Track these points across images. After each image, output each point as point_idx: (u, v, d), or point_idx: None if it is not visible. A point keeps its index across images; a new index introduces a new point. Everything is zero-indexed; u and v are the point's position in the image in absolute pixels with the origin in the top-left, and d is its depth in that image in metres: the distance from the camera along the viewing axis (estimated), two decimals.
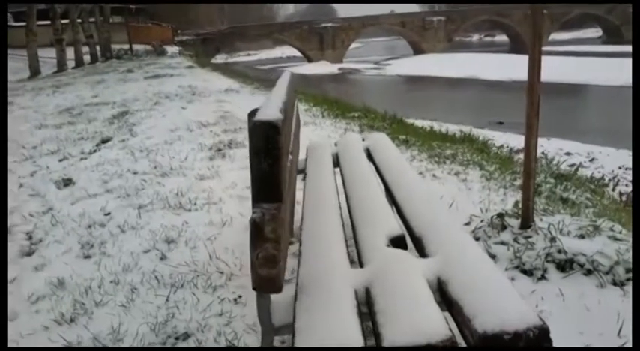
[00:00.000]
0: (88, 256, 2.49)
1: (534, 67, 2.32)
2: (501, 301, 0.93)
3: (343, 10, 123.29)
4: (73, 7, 25.89)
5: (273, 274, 0.97)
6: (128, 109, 7.26)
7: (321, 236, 1.42)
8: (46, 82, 16.32)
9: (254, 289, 1.05)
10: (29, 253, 2.61)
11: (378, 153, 2.49)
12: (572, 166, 6.03)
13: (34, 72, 21.12)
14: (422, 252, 1.27)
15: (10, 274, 2.36)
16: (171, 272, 2.22)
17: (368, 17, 66.48)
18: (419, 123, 20.16)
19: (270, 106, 1.15)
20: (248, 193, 3.28)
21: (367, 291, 1.08)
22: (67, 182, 3.77)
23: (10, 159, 4.64)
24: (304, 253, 1.32)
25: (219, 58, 56.43)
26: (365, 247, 1.33)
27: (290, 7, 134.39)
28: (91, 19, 31.05)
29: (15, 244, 2.71)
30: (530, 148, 2.26)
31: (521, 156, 9.28)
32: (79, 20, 27.91)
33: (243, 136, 4.94)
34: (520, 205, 2.89)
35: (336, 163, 2.55)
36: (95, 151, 4.66)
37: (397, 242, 1.33)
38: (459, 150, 4.25)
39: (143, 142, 4.94)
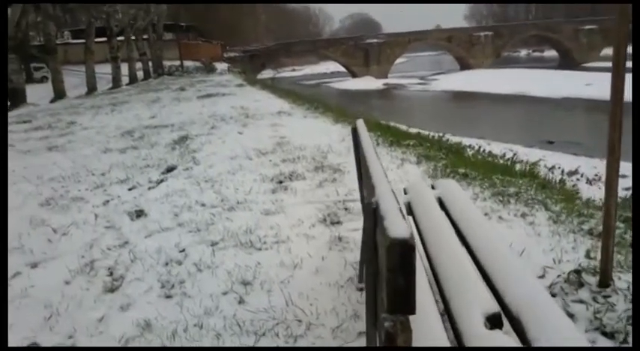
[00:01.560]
0: (169, 296, 2.60)
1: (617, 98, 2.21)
2: None
3: (388, 25, 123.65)
4: (128, 26, 26.90)
5: None
6: (187, 134, 7.49)
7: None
8: (102, 99, 17.01)
9: None
10: (112, 290, 2.75)
11: (452, 204, 2.51)
12: None
13: (91, 88, 22.05)
14: (522, 336, 1.29)
15: (98, 313, 2.49)
16: (252, 318, 2.30)
17: (414, 33, 66.27)
18: (467, 141, 19.88)
19: (388, 205, 1.19)
20: (314, 232, 3.37)
21: None
22: (139, 213, 3.94)
23: (82, 186, 4.89)
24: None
25: (266, 74, 57.42)
26: (462, 326, 1.37)
27: (335, 23, 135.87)
28: (144, 37, 32.24)
29: (98, 280, 2.86)
30: (610, 206, 2.23)
31: (575, 178, 9.02)
32: (133, 38, 29.02)
33: (302, 168, 5.05)
34: (593, 254, 2.87)
35: (409, 211, 2.59)
36: (162, 181, 4.84)
37: (494, 321, 1.36)
38: (521, 187, 4.21)
39: (206, 171, 5.11)
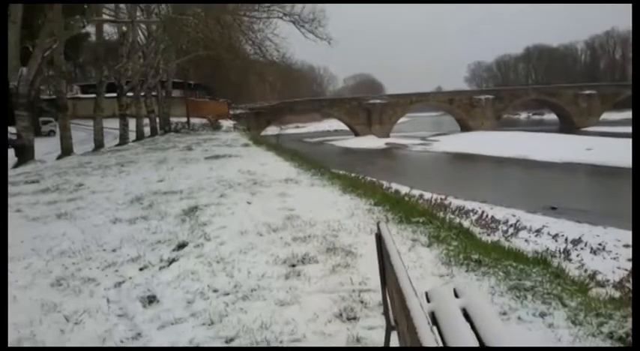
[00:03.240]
0: None
1: None
2: None
3: (390, 86, 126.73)
4: (138, 85, 27.53)
5: None
6: (197, 203, 7.52)
7: None
8: (110, 157, 17.18)
9: None
10: None
11: (477, 316, 2.49)
12: None
13: (98, 145, 22.30)
14: None
15: None
16: None
17: (415, 94, 67.74)
18: (470, 204, 19.85)
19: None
20: (330, 329, 3.33)
21: None
22: (152, 299, 3.90)
23: (93, 264, 4.86)
24: None
25: (270, 130, 58.25)
26: None
27: (339, 82, 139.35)
28: (153, 94, 32.98)
29: None
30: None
31: (580, 248, 8.96)
32: (143, 94, 29.68)
33: (314, 248, 5.03)
34: None
35: (433, 320, 2.56)
36: (174, 260, 4.82)
37: None
38: (536, 278, 4.18)
39: (218, 249, 5.09)
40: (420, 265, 4.51)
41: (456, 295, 2.84)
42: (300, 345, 3.07)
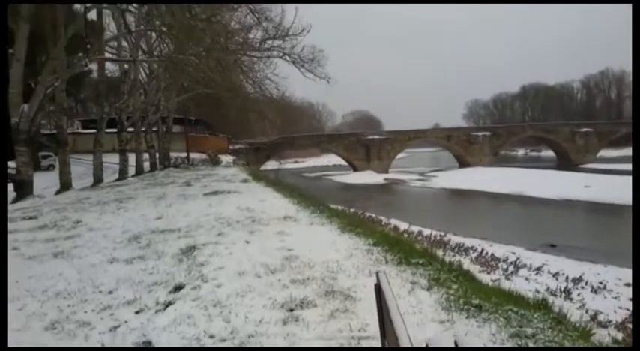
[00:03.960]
0: None
1: None
2: None
3: (389, 122, 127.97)
4: (139, 121, 27.76)
5: None
6: (195, 243, 7.47)
7: None
8: (109, 193, 17.15)
9: None
10: None
11: None
12: None
13: (97, 180, 22.31)
14: None
15: None
16: None
17: (414, 131, 68.38)
18: (469, 241, 19.66)
19: None
20: None
21: None
22: (147, 345, 3.83)
23: (88, 306, 4.79)
24: None
25: (269, 165, 58.43)
26: None
27: (338, 118, 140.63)
28: (154, 129, 33.22)
29: None
30: None
31: (580, 286, 8.88)
32: (143, 129, 29.88)
33: (312, 291, 4.98)
34: None
35: None
36: (170, 303, 4.75)
37: None
38: (537, 324, 4.13)
39: (215, 292, 5.03)
40: (420, 310, 4.46)
41: (456, 345, 2.80)
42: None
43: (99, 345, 3.86)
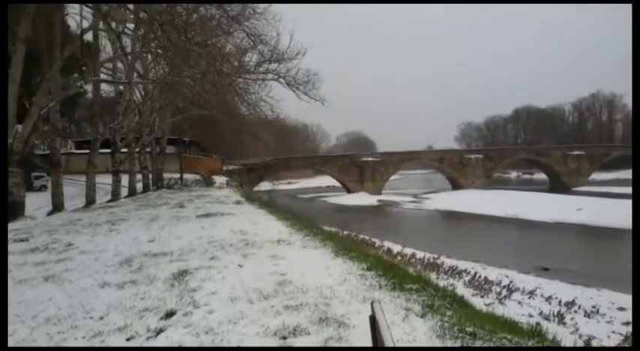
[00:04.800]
0: None
1: None
2: None
3: (382, 144, 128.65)
4: (133, 141, 27.74)
5: None
6: (187, 267, 7.41)
7: None
8: (101, 214, 17.04)
9: None
10: None
11: None
12: None
13: (90, 201, 22.19)
14: None
15: None
16: None
17: (407, 153, 68.68)
18: (462, 264, 19.62)
19: None
20: None
21: None
22: None
23: (79, 333, 4.72)
24: None
25: (263, 186, 58.36)
26: None
27: (332, 140, 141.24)
28: (147, 150, 33.19)
29: None
30: None
31: (573, 311, 8.86)
32: (137, 150, 29.85)
33: (306, 318, 4.94)
34: None
35: None
36: (161, 331, 4.69)
37: None
38: None
39: (206, 318, 4.98)
40: (414, 338, 4.43)
41: None
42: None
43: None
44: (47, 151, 28.78)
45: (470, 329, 4.65)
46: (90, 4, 17.69)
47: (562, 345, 4.76)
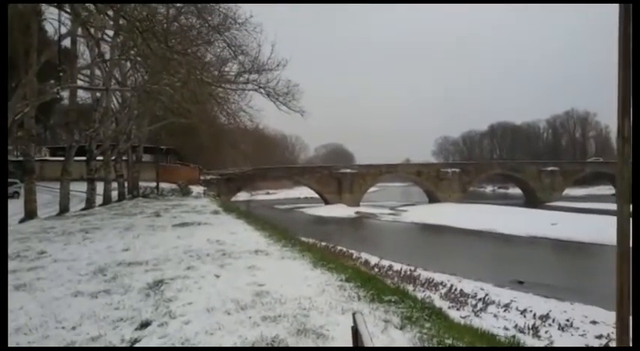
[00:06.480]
0: None
1: None
2: None
3: (361, 156, 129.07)
4: (109, 149, 27.36)
5: None
6: (163, 277, 7.29)
7: None
8: (74, 222, 16.70)
9: None
10: None
11: None
12: None
13: (64, 209, 21.74)
14: None
15: None
16: None
17: (385, 165, 69.04)
18: (439, 277, 19.70)
19: None
20: None
21: None
22: None
23: (50, 343, 4.59)
24: None
25: (241, 196, 58.02)
26: None
27: (310, 151, 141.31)
28: (124, 158, 32.73)
29: None
30: None
31: (548, 324, 8.94)
32: (113, 158, 29.41)
33: (284, 330, 4.88)
34: None
35: None
36: (136, 341, 4.59)
37: None
38: None
39: (182, 329, 4.89)
40: None
41: None
42: None
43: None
44: (20, 158, 28.19)
45: (449, 341, 4.66)
46: (69, 11, 17.44)
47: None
